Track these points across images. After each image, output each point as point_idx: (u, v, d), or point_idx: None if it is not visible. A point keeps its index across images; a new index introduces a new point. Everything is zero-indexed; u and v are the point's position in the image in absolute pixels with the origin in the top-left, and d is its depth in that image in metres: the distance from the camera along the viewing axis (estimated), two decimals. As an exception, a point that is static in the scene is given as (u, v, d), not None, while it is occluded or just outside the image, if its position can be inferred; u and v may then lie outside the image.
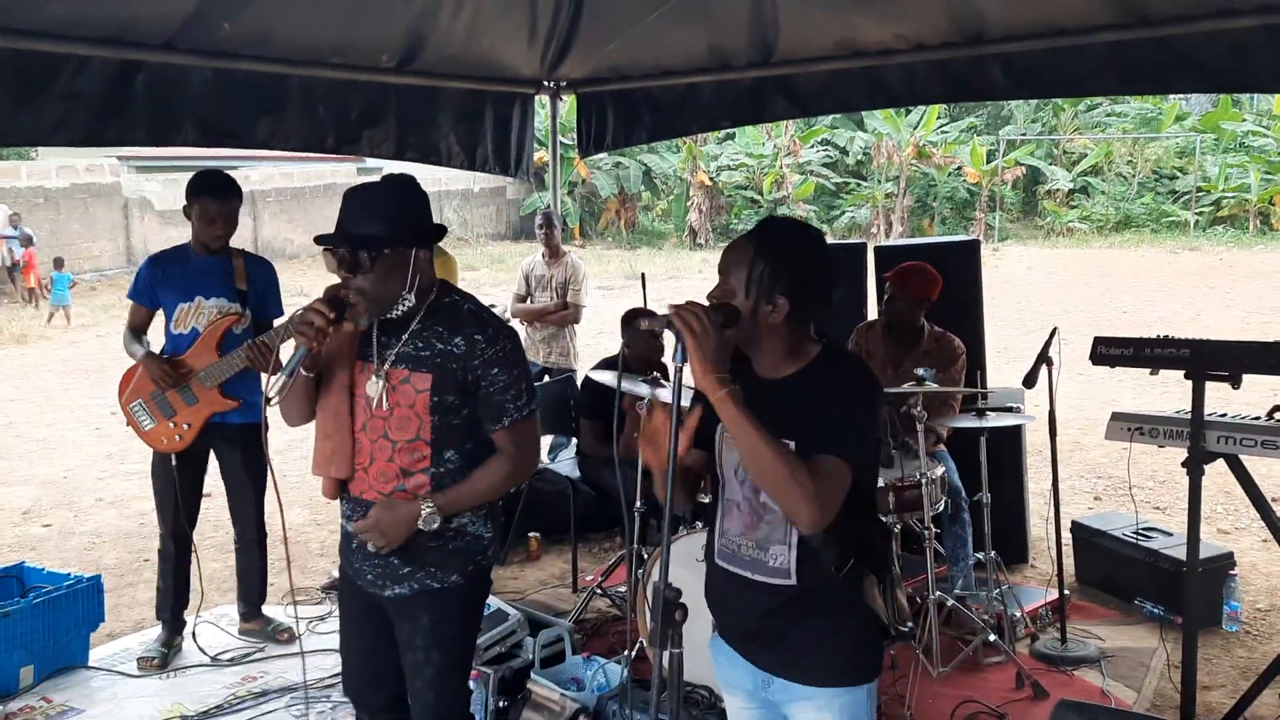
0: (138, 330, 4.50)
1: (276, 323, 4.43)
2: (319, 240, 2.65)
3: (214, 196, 4.36)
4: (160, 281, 4.44)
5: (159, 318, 4.52)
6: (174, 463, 4.42)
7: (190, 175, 4.48)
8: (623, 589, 5.10)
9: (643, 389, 4.57)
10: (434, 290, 2.72)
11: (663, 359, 5.33)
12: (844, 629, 2.27)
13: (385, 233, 2.57)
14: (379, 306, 2.64)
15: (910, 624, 2.40)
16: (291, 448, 7.16)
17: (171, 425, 4.36)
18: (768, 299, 2.17)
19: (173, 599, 4.61)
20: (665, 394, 4.33)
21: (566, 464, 5.95)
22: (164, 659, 4.54)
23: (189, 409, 4.34)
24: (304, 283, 17.64)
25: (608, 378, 4.92)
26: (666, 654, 2.11)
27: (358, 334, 2.72)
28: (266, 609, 4.89)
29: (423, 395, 2.65)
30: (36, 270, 18.57)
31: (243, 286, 4.41)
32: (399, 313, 2.68)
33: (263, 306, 4.50)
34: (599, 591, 5.07)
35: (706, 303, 2.18)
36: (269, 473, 2.81)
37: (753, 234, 2.25)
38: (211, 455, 4.58)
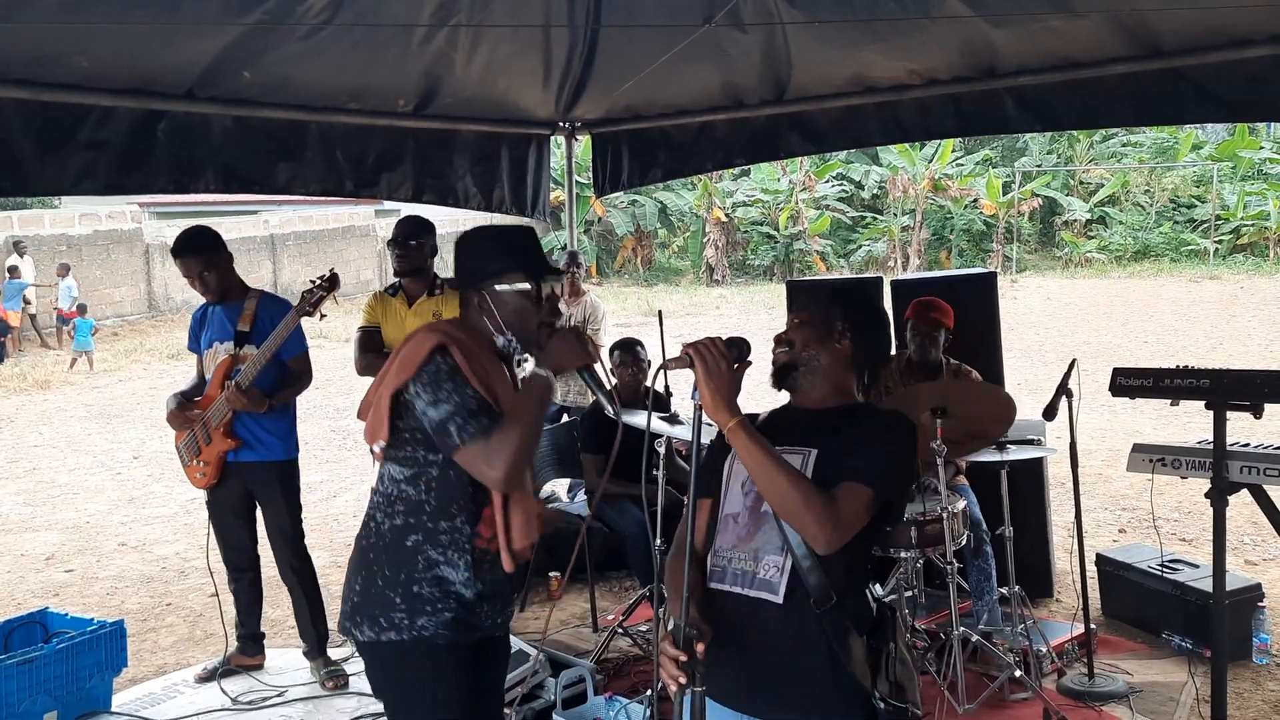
0: (199, 377, 4.69)
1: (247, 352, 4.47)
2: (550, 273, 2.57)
3: (181, 256, 4.54)
4: (199, 330, 4.67)
5: None
6: (207, 499, 4.67)
7: (211, 220, 4.56)
8: (644, 628, 5.08)
9: (662, 426, 4.56)
10: None
11: (645, 384, 5.47)
12: (825, 673, 2.19)
13: None
14: None
15: (910, 706, 2.29)
16: (313, 489, 7.17)
17: (196, 464, 4.56)
18: (838, 336, 2.36)
19: (237, 619, 4.83)
20: (684, 431, 4.33)
21: (581, 502, 5.92)
22: (210, 674, 4.74)
23: (206, 449, 4.51)
24: (324, 325, 17.65)
25: (635, 419, 4.89)
26: (689, 693, 2.09)
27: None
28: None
29: None
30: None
31: (244, 328, 4.51)
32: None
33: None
34: (620, 631, 5.05)
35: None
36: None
37: (838, 288, 2.50)
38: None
